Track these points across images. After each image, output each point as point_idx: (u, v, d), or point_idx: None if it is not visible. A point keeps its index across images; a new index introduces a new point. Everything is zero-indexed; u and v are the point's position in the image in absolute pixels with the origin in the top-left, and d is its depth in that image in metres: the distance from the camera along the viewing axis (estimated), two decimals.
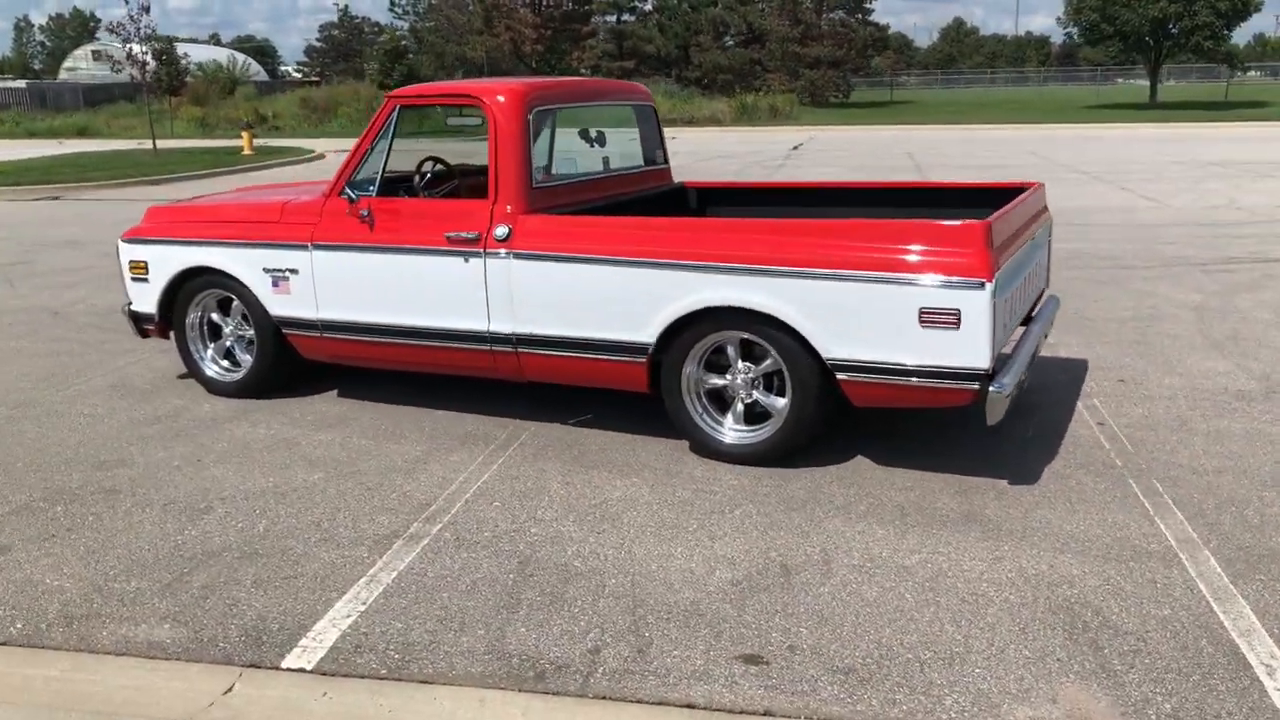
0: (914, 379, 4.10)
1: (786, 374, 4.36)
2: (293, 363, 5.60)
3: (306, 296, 5.26)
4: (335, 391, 5.73)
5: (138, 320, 5.87)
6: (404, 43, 35.76)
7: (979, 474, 4.37)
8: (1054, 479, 4.30)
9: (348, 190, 5.13)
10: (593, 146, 5.65)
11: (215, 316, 5.72)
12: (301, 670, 3.05)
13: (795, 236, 4.24)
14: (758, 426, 4.53)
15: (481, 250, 4.79)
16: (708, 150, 24.71)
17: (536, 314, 4.74)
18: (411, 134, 5.44)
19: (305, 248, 5.20)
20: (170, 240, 5.62)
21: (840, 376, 4.22)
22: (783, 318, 4.23)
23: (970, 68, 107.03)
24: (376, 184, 5.07)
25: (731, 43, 54.85)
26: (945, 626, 3.19)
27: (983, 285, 3.91)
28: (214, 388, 5.73)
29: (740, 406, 4.58)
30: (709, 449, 4.60)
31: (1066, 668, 2.95)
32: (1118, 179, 16.08)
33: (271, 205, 5.46)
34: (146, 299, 5.77)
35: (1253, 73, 76.93)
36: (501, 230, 4.76)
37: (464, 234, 4.82)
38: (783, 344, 4.31)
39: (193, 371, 5.80)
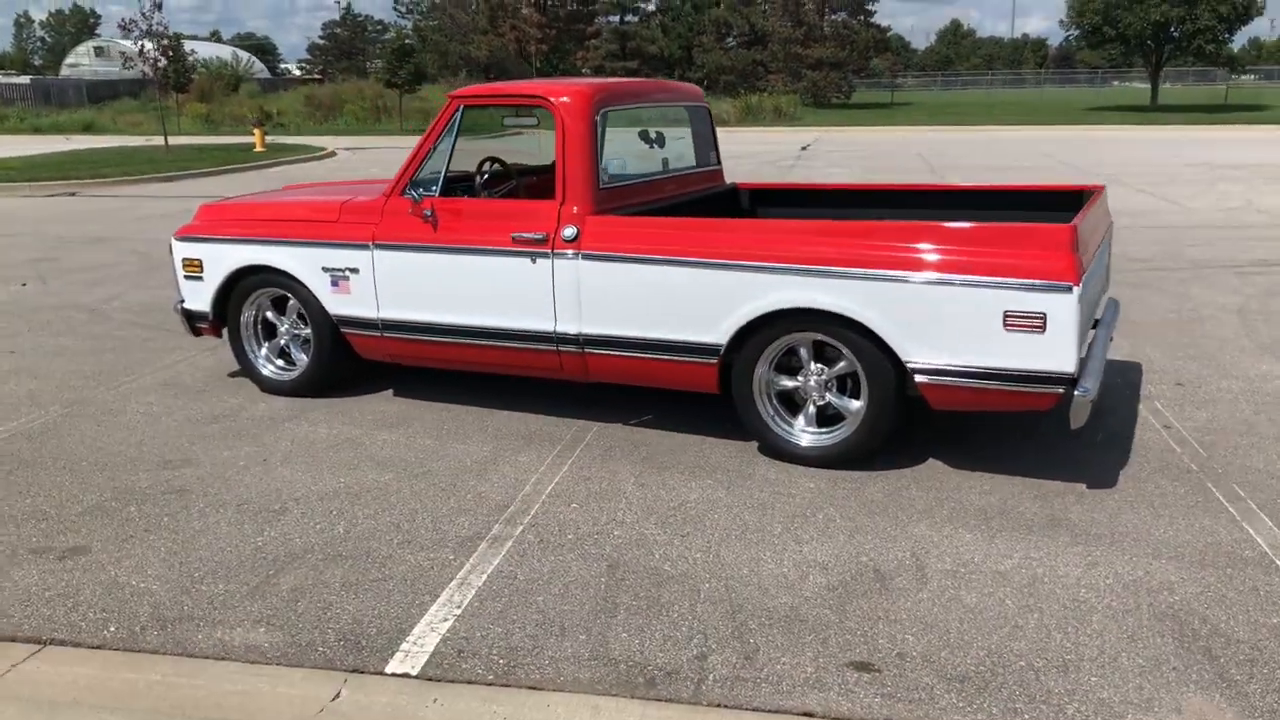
0: (997, 383, 4.07)
1: (863, 376, 4.33)
2: (349, 362, 5.56)
3: (367, 296, 5.23)
4: (390, 391, 5.70)
5: (191, 318, 5.83)
6: (409, 41, 35.62)
7: (1056, 478, 4.34)
8: (1132, 483, 4.28)
9: (410, 190, 5.09)
10: (652, 147, 5.62)
11: (270, 315, 5.68)
12: (407, 676, 3.02)
13: (875, 239, 4.21)
14: (832, 428, 4.50)
15: (549, 251, 4.75)
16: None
17: (605, 314, 4.71)
18: (468, 133, 5.41)
19: (367, 247, 5.17)
20: (226, 238, 5.58)
21: (920, 380, 4.19)
22: (861, 320, 4.20)
23: (968, 70, 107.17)
24: (439, 184, 5.04)
25: (734, 44, 54.78)
26: (1052, 633, 3.16)
27: (1070, 289, 3.88)
28: (269, 386, 5.69)
29: (812, 408, 4.55)
30: (781, 451, 4.57)
31: (1184, 677, 2.92)
32: (1134, 181, 16.08)
33: (330, 204, 5.43)
34: (200, 297, 5.73)
35: (1247, 76, 77.06)
36: (569, 231, 4.72)
37: (531, 234, 4.79)
38: (859, 346, 4.29)
39: (247, 370, 5.76)
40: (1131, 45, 41.86)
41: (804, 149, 25.30)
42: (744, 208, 6.15)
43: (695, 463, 4.60)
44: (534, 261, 4.80)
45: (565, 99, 4.85)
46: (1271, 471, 4.38)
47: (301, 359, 5.65)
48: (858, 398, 4.43)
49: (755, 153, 23.85)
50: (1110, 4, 39.65)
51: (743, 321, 4.42)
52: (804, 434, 4.53)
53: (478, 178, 5.44)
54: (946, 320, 4.08)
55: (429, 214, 5.02)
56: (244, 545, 3.86)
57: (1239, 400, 5.33)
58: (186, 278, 5.76)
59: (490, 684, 2.97)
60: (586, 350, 4.80)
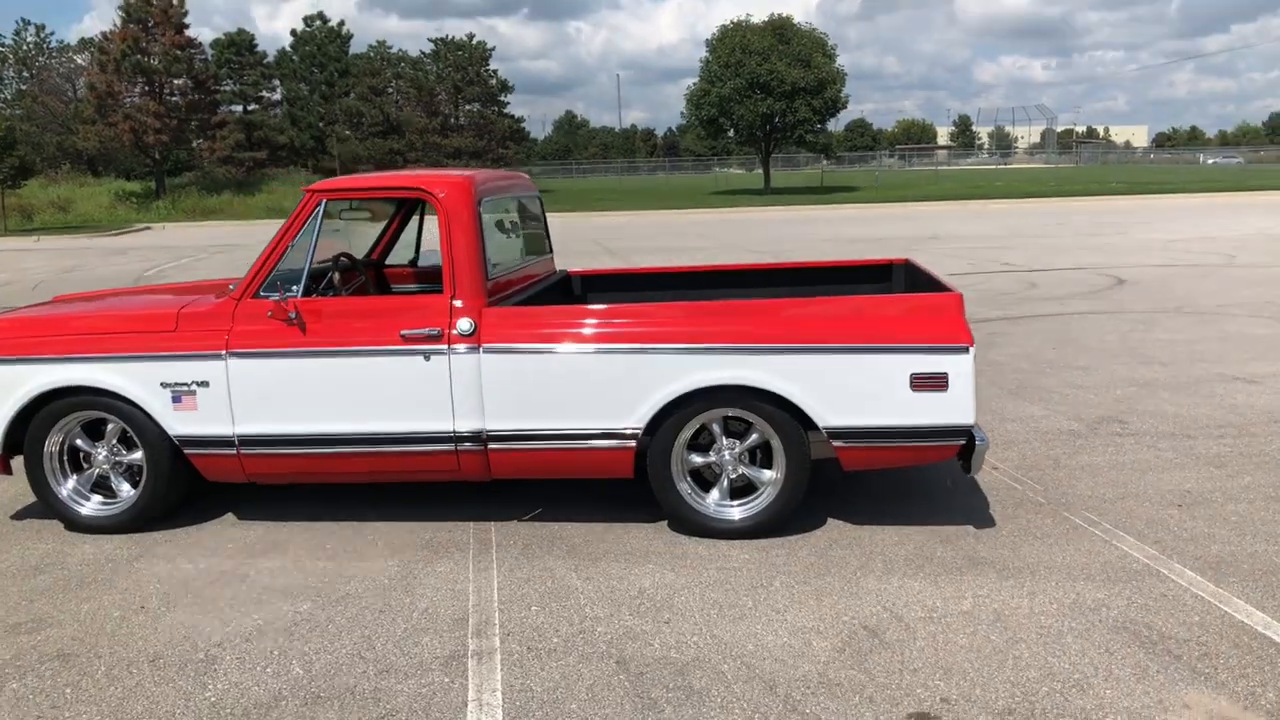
0: (907, 440, 4.45)
1: (780, 446, 4.55)
2: (185, 488, 4.98)
3: (219, 411, 4.73)
4: (230, 515, 5.15)
5: None
6: (8, 132, 31.85)
7: (945, 522, 4.78)
8: (1006, 520, 4.81)
9: (265, 292, 4.71)
10: (509, 238, 5.57)
11: (80, 442, 4.96)
12: None
13: (790, 314, 4.48)
14: (747, 500, 4.67)
15: (445, 346, 4.59)
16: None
17: (511, 408, 4.60)
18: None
19: (219, 357, 4.69)
20: (25, 358, 4.82)
21: (836, 444, 4.48)
22: (782, 393, 4.43)
23: (587, 158, 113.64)
24: (301, 284, 4.70)
25: (368, 134, 54.36)
26: (1046, 659, 3.50)
27: (967, 349, 4.36)
28: (85, 524, 4.94)
29: (726, 482, 4.69)
30: (703, 527, 4.66)
31: (1171, 677, 3.36)
32: (785, 255, 17.83)
33: (163, 313, 4.88)
34: None
35: (823, 162, 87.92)
36: (465, 324, 4.59)
37: (423, 331, 4.59)
38: (776, 418, 4.51)
39: (54, 508, 4.97)
40: (744, 135, 46.37)
41: None
42: (577, 294, 6.23)
43: (619, 549, 4.58)
44: (427, 359, 4.61)
45: (448, 189, 4.73)
46: (1100, 496, 5.09)
47: (125, 489, 4.98)
48: (769, 468, 4.64)
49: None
50: (724, 99, 43.78)
51: (662, 403, 4.51)
52: (729, 508, 4.66)
53: (333, 275, 5.12)
54: (860, 386, 4.41)
55: (293, 316, 4.67)
56: (194, 702, 3.35)
57: (1031, 439, 6.13)
58: None
59: None
60: (490, 447, 4.65)
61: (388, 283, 6.06)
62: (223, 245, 24.04)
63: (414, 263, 6.28)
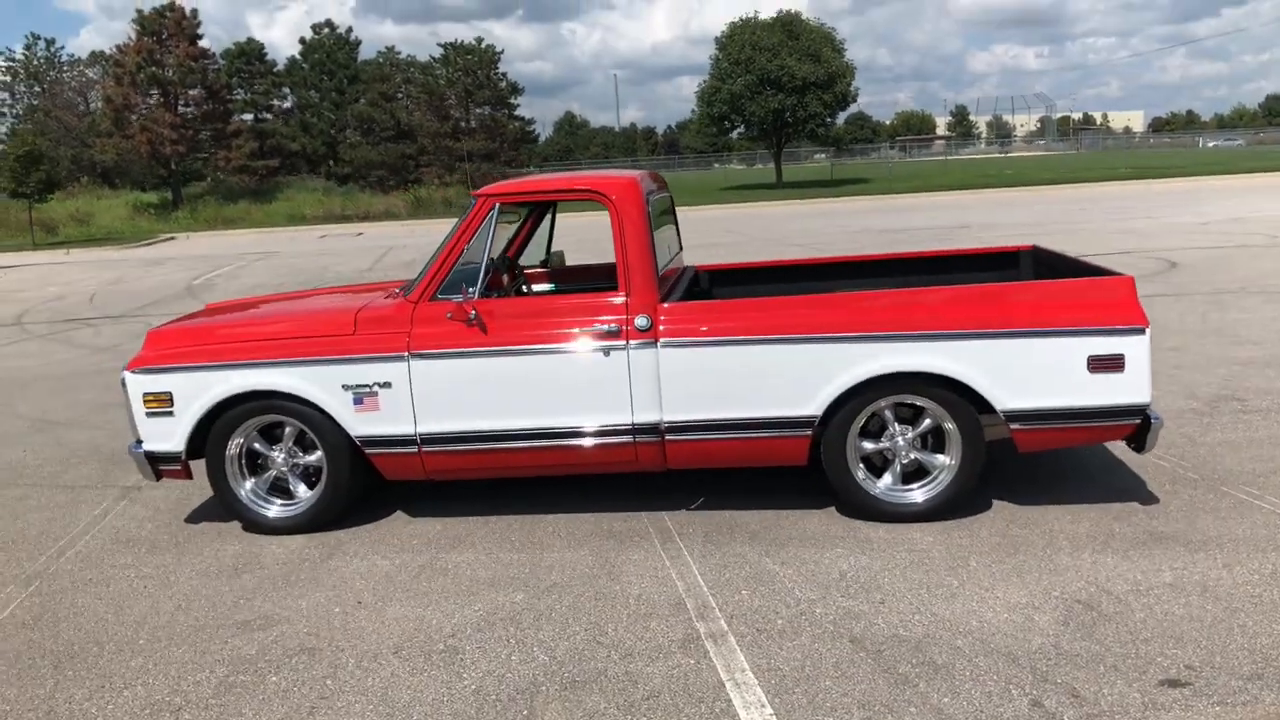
0: (1084, 421, 4.57)
1: (955, 430, 4.67)
2: (362, 488, 5.10)
3: (402, 411, 4.85)
4: (399, 513, 5.27)
5: (156, 461, 5.06)
6: (35, 147, 31.98)
7: (1107, 500, 4.89)
8: (1170, 496, 4.92)
9: (443, 294, 4.84)
10: (659, 235, 5.67)
11: (259, 446, 5.08)
12: None
13: (968, 300, 4.59)
14: (926, 483, 4.78)
15: (625, 342, 4.70)
16: (430, 244, 24.46)
17: (689, 400, 4.72)
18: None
19: (401, 358, 4.81)
20: (209, 365, 4.94)
21: (1014, 426, 4.59)
22: (961, 378, 4.54)
23: (590, 158, 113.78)
24: (479, 286, 4.82)
25: (380, 139, 54.46)
26: (1274, 626, 3.61)
27: (1143, 330, 4.47)
28: (266, 525, 5.06)
29: (899, 466, 4.81)
30: (874, 511, 4.77)
31: None
32: (829, 249, 17.92)
33: (340, 316, 5.00)
34: (169, 435, 5.01)
35: (818, 156, 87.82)
36: (642, 320, 4.71)
37: (603, 327, 4.71)
38: (952, 402, 4.62)
39: (236, 511, 5.09)
40: (756, 130, 46.47)
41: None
42: (705, 289, 6.35)
43: (801, 534, 4.69)
44: (607, 355, 4.72)
45: (619, 191, 4.85)
46: (1252, 471, 5.20)
47: (302, 490, 5.10)
48: (940, 452, 4.75)
49: None
50: (735, 95, 43.88)
51: (840, 391, 4.62)
52: (908, 491, 4.77)
53: (503, 276, 5.24)
54: (1038, 368, 4.52)
55: (473, 316, 4.79)
56: (455, 690, 3.47)
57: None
58: (150, 414, 5.01)
59: None
60: (668, 438, 4.77)
61: (527, 282, 6.18)
62: (260, 253, 24.15)
63: (545, 263, 6.39)
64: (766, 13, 49.05)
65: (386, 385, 4.84)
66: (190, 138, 44.87)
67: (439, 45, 60.62)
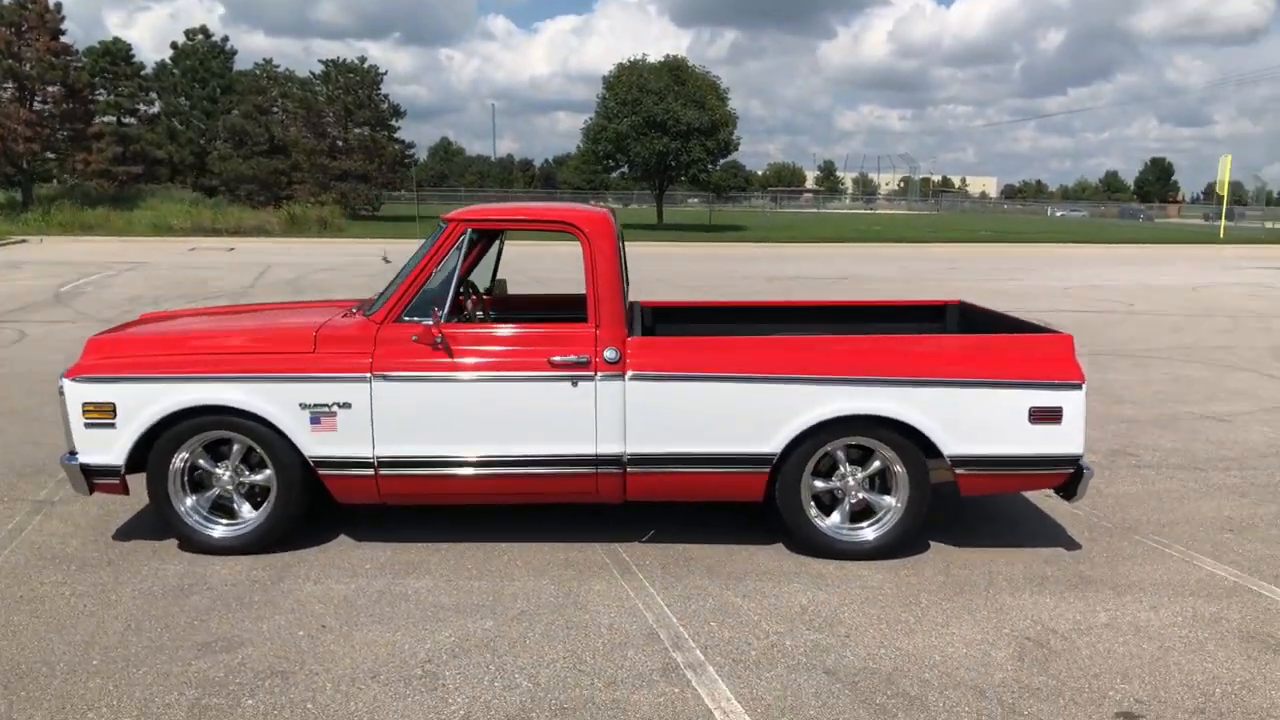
0: (1023, 468, 4.86)
1: (904, 473, 4.89)
2: (307, 509, 5.00)
3: (360, 432, 4.79)
4: (342, 536, 5.17)
5: (90, 474, 4.84)
6: None
7: (1034, 545, 5.20)
8: (1090, 543, 5.25)
9: (408, 316, 4.82)
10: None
11: (204, 463, 4.92)
12: None
13: (924, 350, 4.84)
14: (876, 522, 4.98)
15: (593, 374, 4.77)
16: (309, 264, 23.87)
17: (653, 433, 4.81)
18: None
19: (363, 379, 4.76)
20: (157, 377, 4.77)
21: (959, 470, 4.85)
22: (914, 423, 4.77)
23: (466, 186, 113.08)
24: (445, 310, 4.82)
25: (251, 153, 52.88)
26: (1204, 664, 3.92)
27: (1080, 386, 4.80)
28: (208, 545, 4.90)
29: (847, 506, 5.00)
30: (823, 548, 4.95)
31: None
32: (723, 293, 18.34)
33: (299, 333, 4.91)
34: (109, 448, 4.80)
35: (692, 200, 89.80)
36: (610, 353, 4.79)
37: (572, 358, 4.77)
38: (903, 446, 4.85)
39: (181, 528, 4.91)
40: (639, 171, 47.14)
41: (385, 260, 25.22)
42: (647, 325, 6.46)
43: (755, 569, 4.82)
44: (575, 385, 4.78)
45: (592, 225, 4.94)
46: (1157, 521, 5.60)
47: (247, 510, 4.96)
48: (887, 493, 4.97)
49: (342, 264, 23.38)
50: (621, 134, 44.47)
51: (798, 430, 4.79)
52: (860, 530, 4.96)
53: (469, 302, 5.24)
54: (985, 418, 4.80)
55: (440, 340, 4.78)
56: (445, 715, 3.45)
57: None
58: (89, 425, 4.80)
59: None
60: (630, 470, 4.85)
61: (485, 308, 6.16)
62: (129, 262, 23.09)
63: (489, 290, 6.40)
64: (653, 57, 50.02)
65: (346, 406, 4.77)
66: (46, 136, 42.68)
67: (320, 62, 59.24)
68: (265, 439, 4.81)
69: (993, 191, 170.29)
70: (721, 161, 48.79)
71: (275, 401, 4.76)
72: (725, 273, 23.21)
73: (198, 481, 4.97)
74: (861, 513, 5.03)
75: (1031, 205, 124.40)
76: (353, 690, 3.61)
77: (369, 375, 4.76)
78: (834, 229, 47.85)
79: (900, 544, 4.95)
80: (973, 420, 4.80)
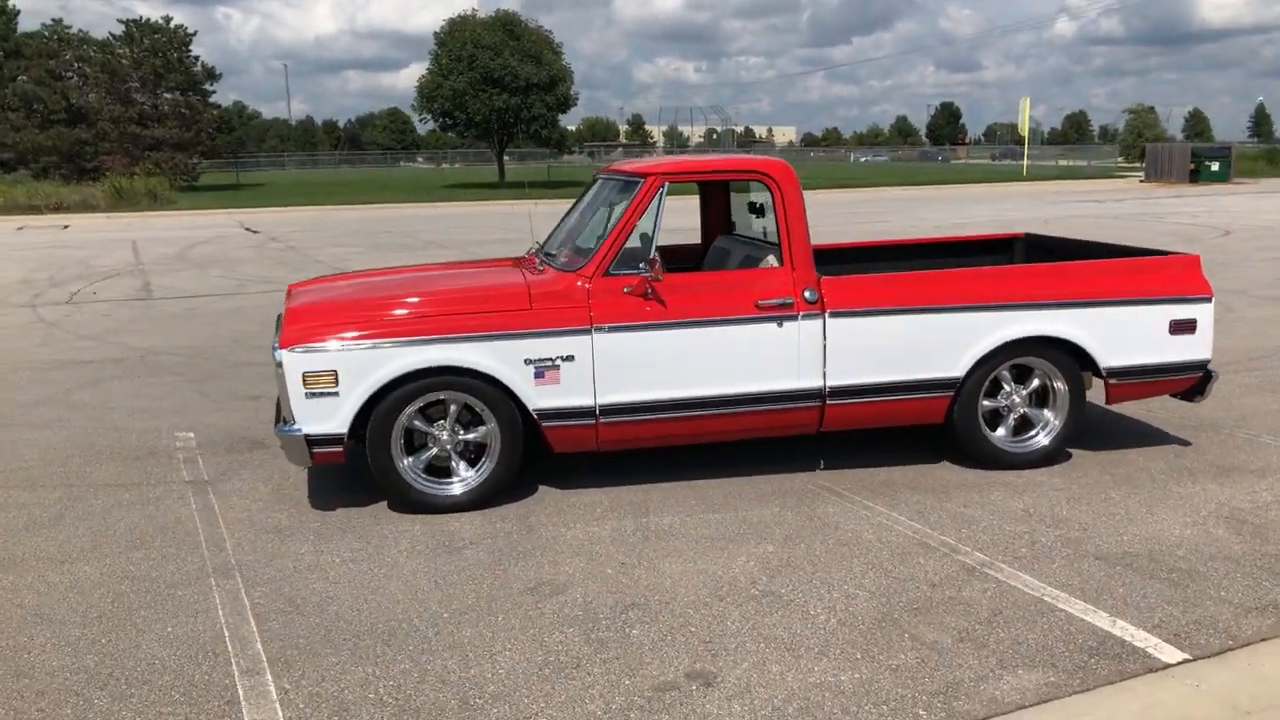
0: (1164, 375, 5.49)
1: (1065, 389, 5.44)
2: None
3: (582, 383, 4.94)
4: (534, 487, 5.31)
5: (312, 444, 4.80)
6: None
7: (1142, 445, 5.87)
8: (1197, 438, 5.97)
9: (616, 270, 4.99)
10: (757, 217, 6.03)
11: (419, 424, 4.96)
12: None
13: (1086, 275, 5.38)
14: (1036, 432, 5.51)
15: (796, 314, 5.08)
16: (175, 238, 22.67)
17: (850, 366, 5.17)
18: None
19: (585, 332, 4.91)
20: (382, 341, 4.77)
21: (1112, 381, 5.44)
22: (1079, 341, 5.32)
23: (267, 152, 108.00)
24: (649, 261, 5.00)
25: (48, 122, 48.98)
26: None
27: (1210, 299, 5.47)
28: (437, 505, 4.95)
29: (1011, 420, 5.52)
30: (998, 460, 5.44)
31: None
32: None
33: (513, 291, 5.00)
34: (331, 416, 4.78)
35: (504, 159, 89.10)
36: (810, 294, 5.11)
37: (777, 300, 5.06)
38: (1065, 364, 5.40)
39: (401, 492, 4.93)
40: (480, 129, 46.48)
41: (253, 231, 24.23)
42: None
43: (952, 484, 5.26)
44: (780, 325, 5.08)
45: (781, 172, 5.22)
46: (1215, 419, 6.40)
47: (462, 468, 5.03)
48: (1044, 407, 5.52)
49: (207, 237, 22.33)
50: (458, 92, 43.69)
51: (980, 355, 5.25)
52: (1033, 438, 5.47)
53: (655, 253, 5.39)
54: (1134, 332, 5.39)
55: (651, 291, 4.98)
56: (842, 619, 3.75)
57: None
58: (311, 395, 4.76)
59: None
60: (829, 402, 5.20)
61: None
62: None
63: None
64: (450, 13, 49.13)
65: (569, 359, 4.91)
66: None
67: (120, 22, 54.99)
68: (489, 396, 4.89)
69: (793, 140, 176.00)
70: (561, 117, 48.67)
71: (503, 359, 4.85)
72: None
73: (412, 443, 4.99)
74: (1019, 426, 5.55)
75: (834, 152, 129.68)
76: (718, 610, 3.86)
77: (590, 328, 4.90)
78: None
79: (1059, 452, 5.51)
80: (1125, 335, 5.38)
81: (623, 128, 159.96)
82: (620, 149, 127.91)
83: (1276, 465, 5.46)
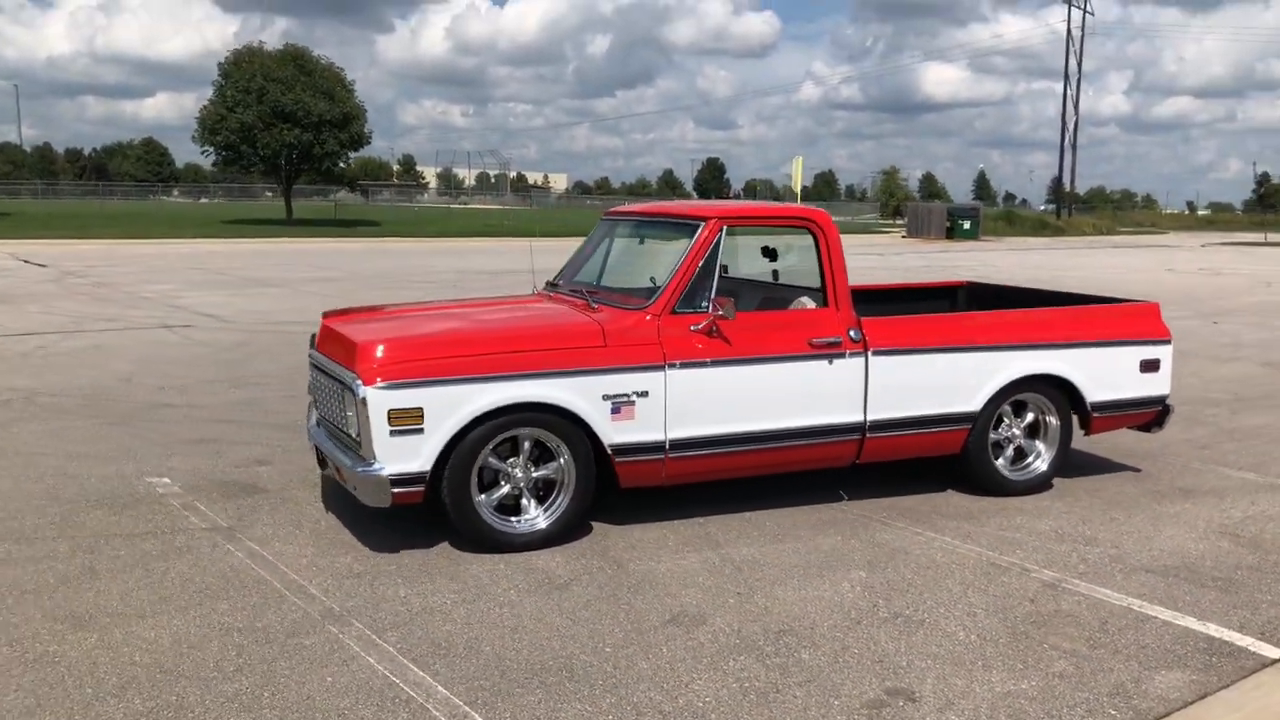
0: (1135, 409, 6.17)
1: (1056, 421, 6.01)
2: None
3: (654, 419, 5.04)
4: (593, 526, 5.34)
5: (394, 484, 4.64)
6: None
7: (1101, 472, 6.55)
8: (1148, 466, 6.71)
9: (683, 308, 5.15)
10: (771, 261, 6.29)
11: (493, 461, 4.89)
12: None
13: (1078, 319, 5.98)
14: (1033, 460, 6.03)
15: (844, 352, 5.40)
16: None
17: (889, 401, 5.52)
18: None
19: (659, 368, 5.02)
20: (468, 378, 4.69)
21: (1095, 414, 6.06)
22: (1071, 378, 5.90)
23: (1, 181, 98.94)
24: (711, 301, 5.19)
25: None
26: None
27: (1169, 342, 6.21)
28: (510, 544, 4.88)
29: (1010, 450, 6.03)
30: (1002, 488, 5.93)
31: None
32: (394, 293, 18.59)
33: (586, 328, 5.04)
34: (415, 455, 4.65)
35: (268, 194, 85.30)
36: (854, 333, 5.45)
37: (827, 339, 5.36)
38: (1058, 399, 5.97)
39: (478, 531, 4.83)
40: (268, 163, 44.64)
41: (38, 265, 22.32)
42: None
43: (972, 511, 5.66)
44: (830, 362, 5.37)
45: (824, 220, 5.54)
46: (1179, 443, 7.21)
47: (530, 506, 4.99)
48: (1035, 438, 6.07)
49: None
50: (246, 125, 41.88)
51: (994, 390, 5.74)
52: (1026, 468, 5.99)
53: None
54: (1114, 370, 6.04)
55: (715, 330, 5.17)
56: (978, 633, 4.01)
57: None
58: (395, 433, 4.61)
59: None
60: (868, 435, 5.52)
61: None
62: None
63: None
64: (214, 44, 47.40)
65: (644, 394, 5.00)
66: None
67: None
68: (565, 432, 4.90)
69: (563, 188, 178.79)
70: (352, 156, 47.52)
71: (583, 395, 4.87)
72: (417, 267, 23.27)
73: (482, 481, 4.91)
74: (1015, 456, 6.07)
75: (607, 200, 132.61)
76: (864, 633, 4.04)
77: (663, 364, 5.02)
78: (463, 224, 48.40)
79: (1052, 477, 6.06)
80: (1108, 373, 6.02)
81: (395, 167, 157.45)
82: (393, 188, 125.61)
83: (1226, 487, 6.21)
